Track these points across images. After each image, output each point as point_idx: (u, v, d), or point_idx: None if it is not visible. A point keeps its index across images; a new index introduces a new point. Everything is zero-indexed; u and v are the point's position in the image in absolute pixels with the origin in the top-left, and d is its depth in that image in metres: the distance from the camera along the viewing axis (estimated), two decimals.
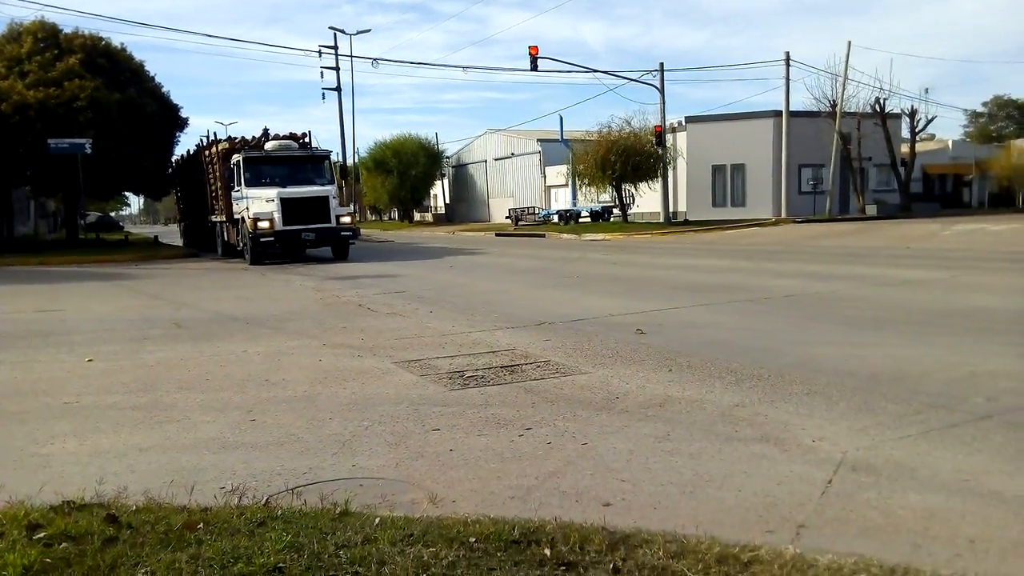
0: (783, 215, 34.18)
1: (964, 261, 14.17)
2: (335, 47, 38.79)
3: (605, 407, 4.79)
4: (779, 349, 6.42)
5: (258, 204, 18.77)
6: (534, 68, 29.10)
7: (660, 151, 33.25)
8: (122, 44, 27.30)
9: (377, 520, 2.86)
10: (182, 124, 29.19)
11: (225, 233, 21.99)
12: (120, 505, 3.13)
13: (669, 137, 34.70)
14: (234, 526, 2.78)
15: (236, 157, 20.00)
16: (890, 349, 6.29)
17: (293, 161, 20.34)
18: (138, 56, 27.82)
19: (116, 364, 6.62)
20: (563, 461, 3.82)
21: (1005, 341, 6.47)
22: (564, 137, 43.70)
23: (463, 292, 11.53)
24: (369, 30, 44.05)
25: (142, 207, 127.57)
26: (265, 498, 3.30)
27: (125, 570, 2.50)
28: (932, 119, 43.21)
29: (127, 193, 39.37)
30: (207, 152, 22.83)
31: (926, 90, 67.27)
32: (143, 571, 2.47)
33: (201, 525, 2.78)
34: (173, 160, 29.56)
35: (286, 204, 18.65)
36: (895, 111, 37.09)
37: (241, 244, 19.89)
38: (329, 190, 19.63)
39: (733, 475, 3.56)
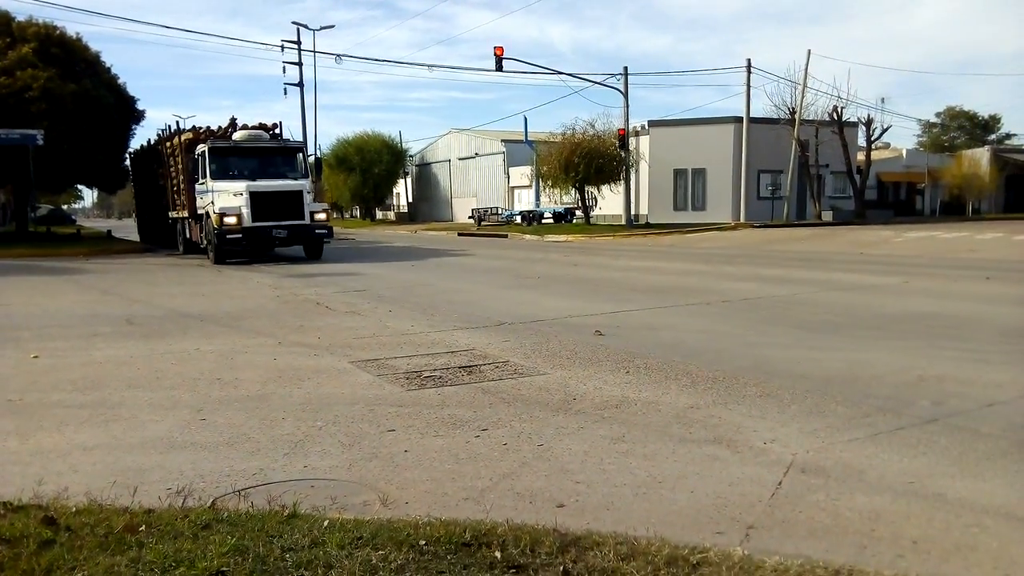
0: (742, 220, 34.67)
1: (916, 267, 14.51)
2: (298, 42, 38.28)
3: (562, 408, 4.79)
4: (734, 351, 6.50)
5: (224, 198, 17.44)
6: (499, 69, 29.09)
7: (623, 154, 33.50)
8: (77, 34, 26.68)
9: (326, 523, 2.81)
10: (138, 116, 28.59)
11: (187, 230, 20.76)
12: (60, 506, 3.03)
13: (632, 140, 34.97)
14: (177, 529, 2.71)
15: (201, 147, 18.67)
16: (843, 352, 6.41)
17: (263, 153, 19.00)
18: (94, 47, 27.27)
19: (63, 361, 6.44)
20: (518, 462, 3.80)
21: (953, 346, 6.63)
22: (528, 138, 43.76)
23: (424, 292, 11.46)
24: (333, 26, 43.58)
25: (96, 200, 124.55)
26: (211, 500, 3.23)
27: (61, 574, 2.42)
28: (887, 128, 44.41)
29: (80, 186, 38.40)
30: (168, 143, 21.63)
31: (882, 100, 69.06)
32: (80, 575, 2.39)
33: (143, 527, 2.70)
34: (130, 152, 28.61)
35: (256, 198, 17.39)
36: (852, 119, 37.93)
37: (205, 241, 18.62)
38: (303, 184, 18.36)
39: (686, 476, 3.59)
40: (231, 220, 17.10)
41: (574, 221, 37.54)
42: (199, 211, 19.11)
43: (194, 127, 20.64)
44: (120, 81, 27.64)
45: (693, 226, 32.71)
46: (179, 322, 8.63)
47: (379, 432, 4.32)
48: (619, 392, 5.16)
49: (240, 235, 17.18)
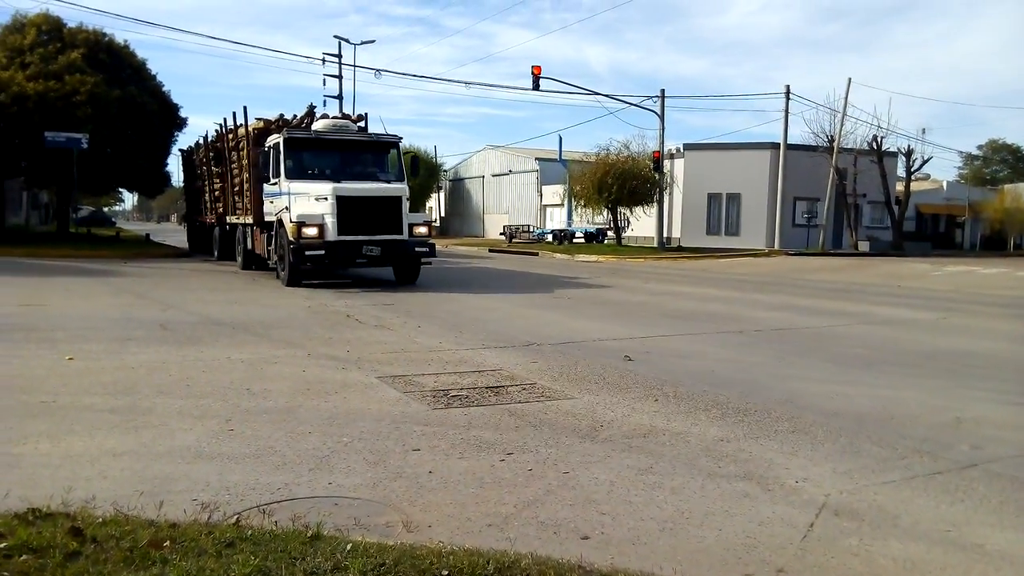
0: (776, 247, 34.30)
1: (954, 303, 14.21)
2: (339, 55, 38.86)
3: (589, 435, 4.74)
4: (766, 383, 6.39)
5: (303, 203, 14.02)
6: (536, 87, 29.20)
7: (657, 176, 33.37)
8: (125, 41, 27.34)
9: (349, 546, 2.79)
10: (181, 124, 29.15)
11: (249, 239, 17.70)
12: (87, 516, 3.05)
13: (667, 163, 34.86)
14: (201, 546, 2.71)
15: (275, 139, 15.15)
16: (877, 389, 6.27)
17: (351, 148, 15.52)
18: (141, 54, 27.91)
19: (97, 364, 6.53)
20: (543, 489, 3.76)
21: (991, 387, 6.46)
22: (562, 157, 43.85)
23: (452, 307, 11.47)
24: (373, 41, 44.23)
25: (136, 204, 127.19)
26: (236, 516, 3.23)
27: None
28: (928, 159, 43.68)
29: (121, 189, 39.20)
30: (231, 135, 18.63)
31: (923, 130, 67.69)
32: None
33: (168, 543, 2.70)
34: (181, 150, 26.86)
35: (344, 205, 13.76)
36: (891, 149, 37.42)
37: (275, 256, 15.11)
38: (402, 189, 14.58)
39: (714, 513, 3.51)
40: (311, 231, 13.58)
41: (605, 242, 37.45)
42: (267, 218, 15.89)
43: (263, 119, 17.29)
44: (164, 88, 28.23)
45: (726, 251, 32.43)
46: (211, 329, 8.72)
47: (404, 451, 4.31)
48: (647, 420, 5.10)
49: (322, 251, 13.61)
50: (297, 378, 6.12)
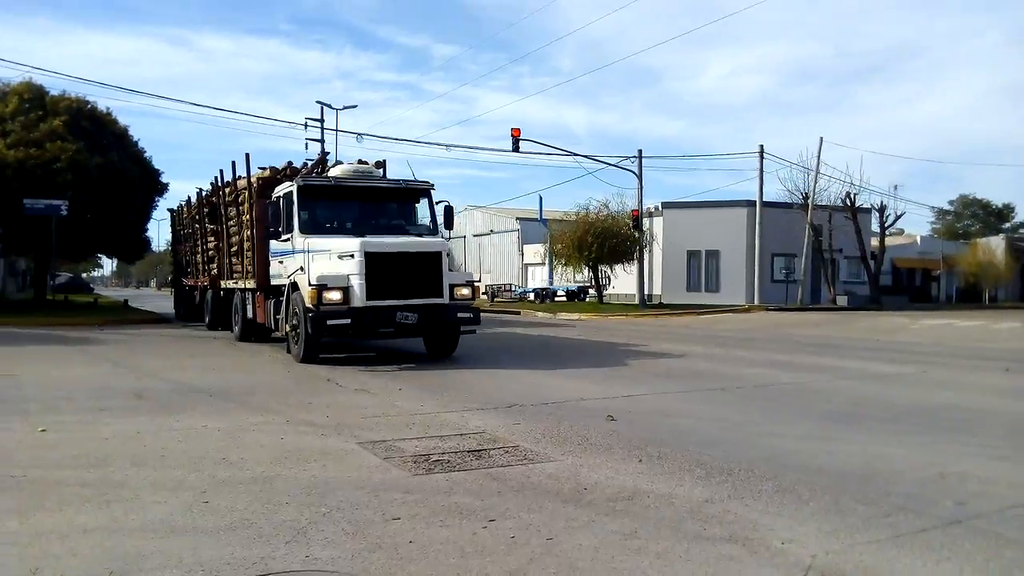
0: (756, 302, 34.59)
1: (933, 356, 14.33)
2: (321, 120, 39.44)
3: (572, 499, 4.67)
4: (750, 441, 6.36)
5: (323, 262, 11.84)
6: (516, 149, 29.71)
7: (637, 234, 33.78)
8: (108, 108, 27.52)
9: None
10: (162, 189, 29.20)
11: (250, 306, 15.36)
12: None
13: (646, 221, 35.32)
14: None
15: (286, 188, 13.15)
16: (860, 446, 6.26)
17: (377, 197, 13.48)
18: (123, 120, 28.09)
19: (69, 435, 6.39)
20: (526, 558, 3.68)
21: (974, 441, 6.47)
22: (543, 216, 44.32)
23: (433, 368, 11.39)
24: (356, 106, 44.85)
25: (115, 269, 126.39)
26: None
27: None
28: (901, 215, 44.63)
29: (100, 255, 39.02)
30: (227, 189, 16.87)
31: (895, 187, 69.28)
32: None
33: None
34: (171, 210, 25.69)
35: (375, 263, 11.48)
36: (865, 205, 38.25)
37: (284, 326, 12.74)
38: (442, 244, 12.47)
39: None
40: (334, 296, 11.29)
41: (587, 299, 37.63)
42: (274, 280, 13.75)
43: (270, 167, 15.24)
44: (146, 154, 28.34)
45: (706, 307, 32.66)
46: (188, 396, 8.59)
47: (384, 520, 4.22)
48: (632, 482, 5.04)
49: (347, 319, 11.29)
50: (275, 446, 6.01)
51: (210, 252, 18.95)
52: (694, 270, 38.22)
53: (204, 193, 19.60)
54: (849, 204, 36.35)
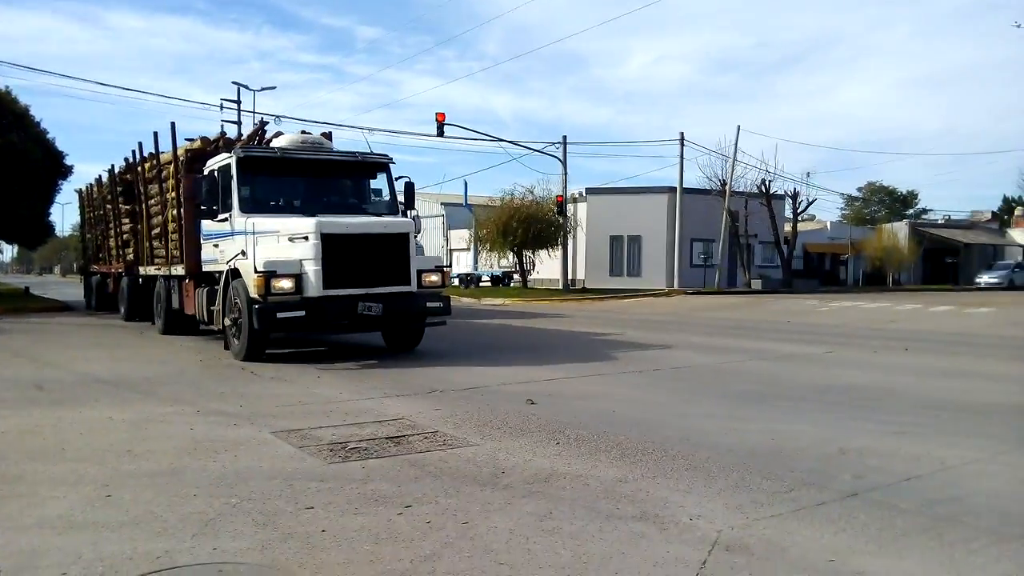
0: (675, 286, 35.43)
1: (839, 337, 14.98)
2: (238, 101, 38.22)
3: (490, 482, 4.69)
4: (664, 422, 6.52)
5: (270, 246, 10.37)
6: (440, 134, 29.48)
7: (561, 220, 34.06)
8: (7, 87, 25.96)
9: None
10: (66, 172, 27.75)
11: (175, 296, 13.71)
12: None
13: (570, 207, 35.66)
14: None
15: (223, 160, 11.52)
16: (768, 424, 6.49)
17: (329, 171, 11.91)
18: (24, 100, 26.47)
19: None
20: (441, 542, 3.68)
21: (874, 418, 6.79)
22: (468, 202, 44.20)
23: (324, 347, 11.22)
24: (274, 87, 43.89)
25: (15, 256, 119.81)
26: None
27: None
28: (812, 201, 46.48)
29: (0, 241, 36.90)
30: (147, 165, 15.12)
31: (807, 174, 72.49)
32: None
33: None
34: (78, 189, 23.67)
35: (333, 247, 10.06)
36: (779, 192, 39.61)
37: (224, 318, 10.99)
38: (408, 224, 11.07)
39: (611, 556, 3.52)
40: (285, 284, 9.81)
41: (512, 285, 37.80)
42: (207, 266, 12.27)
43: (202, 136, 13.66)
44: (49, 136, 26.87)
45: (628, 291, 33.25)
46: (92, 388, 8.22)
47: (296, 510, 4.14)
48: (548, 465, 5.09)
49: (301, 311, 9.83)
50: (184, 437, 5.82)
51: (125, 235, 17.35)
52: (617, 255, 38.86)
53: (118, 170, 17.75)
54: (764, 191, 37.57)
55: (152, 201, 15.05)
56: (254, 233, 10.55)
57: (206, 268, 12.32)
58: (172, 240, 13.71)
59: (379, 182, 12.36)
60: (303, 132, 12.98)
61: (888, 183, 77.00)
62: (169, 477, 4.73)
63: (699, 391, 8.25)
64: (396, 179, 12.28)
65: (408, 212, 12.34)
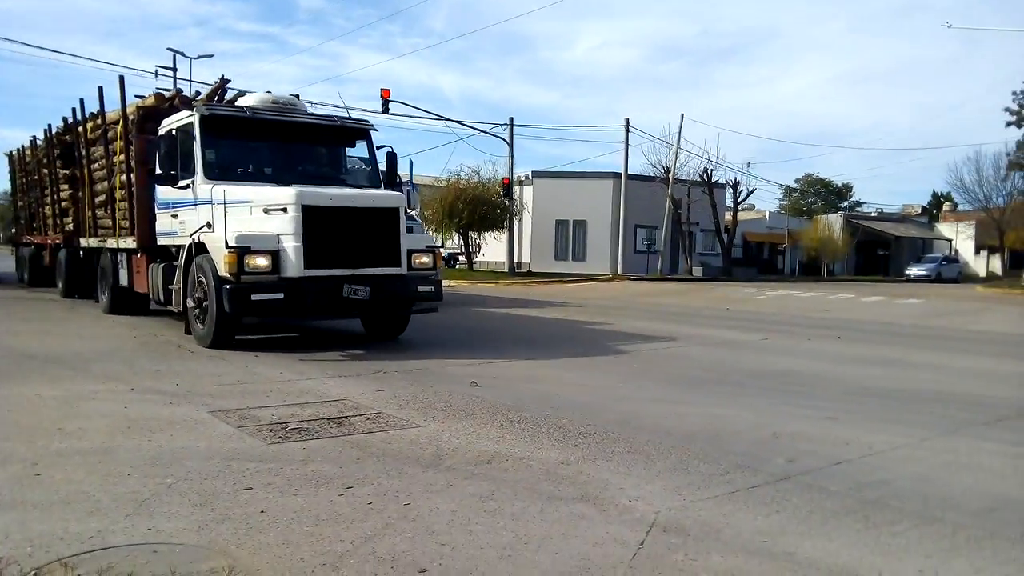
0: (619, 271, 35.87)
1: (775, 324, 15.40)
2: (174, 68, 36.97)
3: (432, 464, 4.69)
4: (606, 405, 6.61)
5: (241, 218, 9.10)
6: (385, 111, 29.06)
7: (507, 202, 34.07)
8: None
9: None
10: None
11: (124, 271, 12.49)
12: None
13: (516, 189, 35.70)
14: None
15: (183, 119, 10.22)
16: (707, 408, 6.65)
17: (304, 136, 10.73)
18: None
19: None
20: (383, 523, 3.67)
21: (807, 404, 7.02)
22: (413, 181, 43.77)
23: (296, 332, 11.06)
24: (212, 55, 42.48)
25: None
26: (33, 572, 2.92)
27: None
28: (752, 191, 47.53)
29: None
30: (89, 125, 13.63)
31: (748, 164, 73.80)
32: None
33: None
34: (9, 153, 21.27)
35: (316, 221, 8.95)
36: (721, 181, 40.36)
37: (186, 298, 9.72)
38: (399, 199, 9.91)
39: (551, 537, 3.57)
40: (260, 262, 8.74)
41: (457, 266, 37.70)
42: (163, 240, 11.00)
43: (156, 92, 12.57)
44: None
45: (573, 276, 33.53)
46: (20, 364, 7.92)
47: (235, 490, 4.08)
48: (491, 447, 5.12)
49: (279, 294, 8.74)
50: (118, 415, 5.66)
51: (64, 203, 15.84)
52: (562, 239, 39.12)
53: (55, 131, 16.04)
54: (706, 180, 38.23)
55: (96, 165, 13.65)
56: (224, 203, 9.22)
57: (162, 241, 11.05)
58: (120, 209, 12.33)
59: (357, 152, 11.46)
60: (267, 92, 11.60)
61: (824, 175, 79.22)
62: (102, 456, 4.60)
63: (641, 375, 8.39)
64: (378, 148, 11.29)
65: (401, 187, 11.64)
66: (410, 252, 9.75)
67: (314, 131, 10.82)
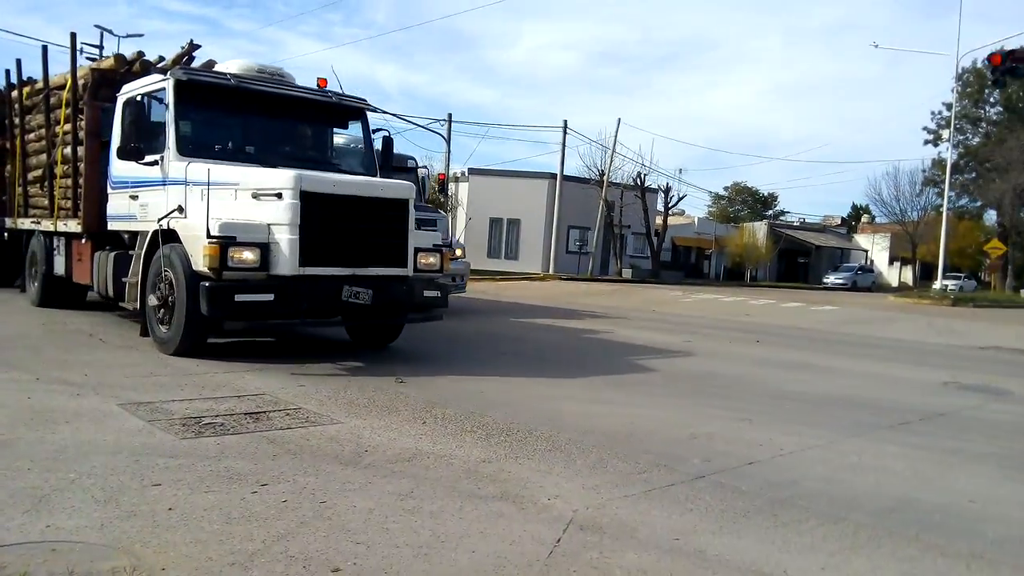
0: (551, 271, 36.16)
1: (699, 327, 15.77)
2: (100, 47, 35.45)
3: (352, 461, 4.63)
4: (531, 404, 6.65)
5: (224, 202, 7.87)
6: None
7: (443, 198, 33.92)
8: None
9: None
10: None
11: (60, 257, 11.04)
12: None
13: (452, 186, 35.57)
14: None
15: (153, 83, 8.83)
16: (628, 408, 6.76)
17: (292, 111, 9.39)
18: None
19: None
20: (297, 521, 3.60)
21: (724, 405, 7.21)
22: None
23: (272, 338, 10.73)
24: (142, 35, 40.88)
25: None
26: None
27: None
28: (683, 197, 48.66)
29: None
30: (25, 91, 12.06)
31: (680, 170, 75.56)
32: None
33: None
34: None
35: (315, 210, 7.69)
36: (653, 186, 41.15)
37: (147, 294, 8.34)
38: (408, 188, 8.57)
39: (470, 535, 3.56)
40: (247, 256, 7.44)
41: None
42: (119, 223, 9.44)
43: (116, 54, 10.95)
44: None
45: (505, 274, 33.63)
46: None
47: (142, 487, 3.93)
48: (413, 444, 5.08)
49: (269, 295, 7.48)
50: (20, 406, 5.38)
51: None
52: (495, 237, 39.19)
53: None
54: (639, 184, 38.92)
55: (32, 136, 11.97)
56: (206, 184, 7.77)
57: (114, 226, 9.52)
58: (61, 187, 10.69)
59: (349, 132, 10.38)
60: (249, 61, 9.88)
61: (752, 184, 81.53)
62: (1, 450, 4.37)
63: (566, 374, 8.46)
64: (374, 132, 10.03)
65: (416, 173, 10.86)
66: (416, 251, 8.59)
67: (305, 107, 9.43)
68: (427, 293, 8.65)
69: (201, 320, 7.63)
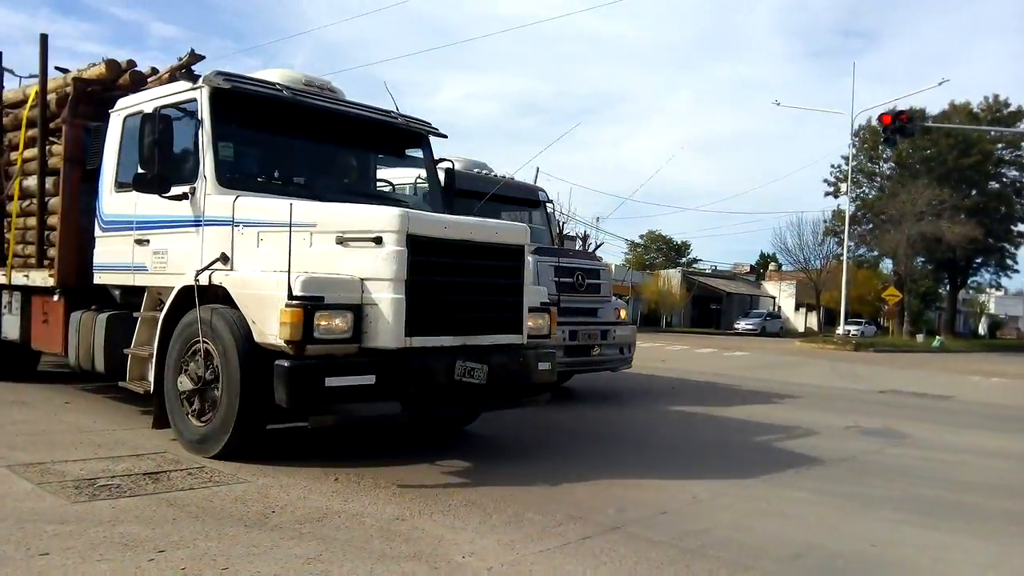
0: None
1: (615, 374, 15.96)
2: (0, 87, 33.92)
3: (258, 523, 4.44)
4: (444, 455, 6.55)
5: (296, 250, 5.37)
6: None
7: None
8: None
9: None
10: None
11: (11, 317, 8.83)
12: None
13: None
14: None
15: (179, 93, 6.74)
16: (546, 459, 6.75)
17: (348, 134, 7.45)
18: None
19: None
20: None
21: (639, 454, 7.30)
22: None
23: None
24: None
25: None
26: None
27: None
28: (600, 244, 49.77)
29: None
30: None
31: (597, 219, 77.07)
32: None
33: None
34: None
35: (423, 259, 5.73)
36: (572, 234, 42.06)
37: (178, 376, 6.09)
38: (522, 232, 6.62)
39: None
40: (338, 323, 5.42)
41: None
42: (113, 275, 7.38)
43: (106, 60, 8.02)
44: None
45: None
46: None
47: (28, 556, 3.67)
48: (324, 503, 4.93)
49: (370, 376, 5.46)
50: None
51: None
52: None
53: None
54: (558, 232, 39.65)
55: None
56: (266, 225, 6.05)
57: (104, 279, 7.44)
58: (19, 228, 8.60)
59: (399, 162, 8.54)
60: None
61: (667, 232, 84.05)
62: None
63: (477, 426, 8.39)
64: (437, 161, 8.25)
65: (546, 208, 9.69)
66: (529, 311, 6.65)
67: (367, 129, 7.61)
68: (541, 366, 6.68)
69: (264, 411, 5.71)
